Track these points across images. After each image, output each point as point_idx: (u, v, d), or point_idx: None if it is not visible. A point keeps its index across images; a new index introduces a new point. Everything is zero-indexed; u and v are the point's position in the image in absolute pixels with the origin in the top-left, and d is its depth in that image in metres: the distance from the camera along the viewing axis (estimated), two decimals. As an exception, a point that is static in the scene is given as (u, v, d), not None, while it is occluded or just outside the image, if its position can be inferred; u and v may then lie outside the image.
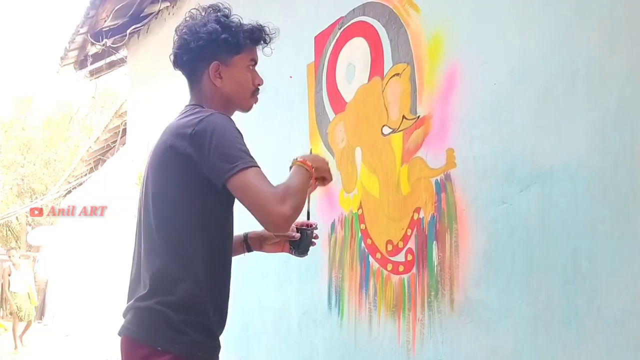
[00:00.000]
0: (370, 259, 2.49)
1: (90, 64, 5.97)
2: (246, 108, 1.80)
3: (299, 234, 1.90)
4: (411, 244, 2.28)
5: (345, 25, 2.78)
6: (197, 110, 1.66)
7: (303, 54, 3.05)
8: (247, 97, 1.76)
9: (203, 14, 1.75)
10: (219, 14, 1.74)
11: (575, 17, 1.76)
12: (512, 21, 1.96)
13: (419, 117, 2.30)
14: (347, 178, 2.68)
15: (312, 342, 2.79)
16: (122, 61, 6.01)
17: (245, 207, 1.52)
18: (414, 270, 2.25)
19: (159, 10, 5.00)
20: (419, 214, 2.25)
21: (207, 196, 1.61)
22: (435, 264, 2.16)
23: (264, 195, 1.48)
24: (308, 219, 1.89)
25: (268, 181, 1.51)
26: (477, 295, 1.99)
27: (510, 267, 1.89)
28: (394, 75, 2.45)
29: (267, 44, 1.81)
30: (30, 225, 19.85)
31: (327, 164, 1.74)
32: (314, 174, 1.63)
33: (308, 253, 1.94)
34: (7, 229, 23.40)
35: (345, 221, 2.67)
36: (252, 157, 1.55)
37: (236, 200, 1.59)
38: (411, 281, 2.26)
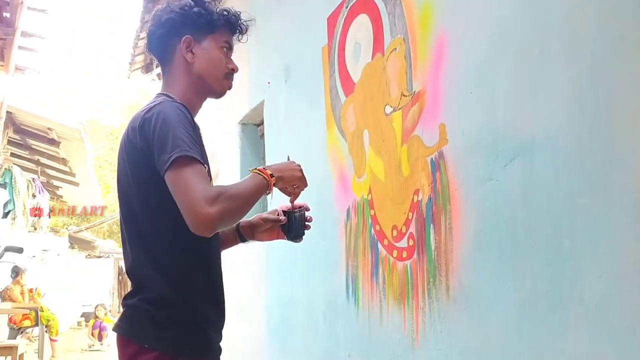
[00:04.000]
0: (379, 245, 2.37)
1: (156, 67, 6.16)
2: (219, 90, 1.70)
3: (285, 218, 1.80)
4: (412, 228, 2.15)
5: (352, 3, 2.66)
6: (155, 100, 1.62)
7: (319, 37, 2.96)
8: (220, 78, 1.68)
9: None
10: None
11: (546, -33, 1.57)
12: (490, -21, 1.78)
13: (414, 92, 2.16)
14: (357, 162, 2.58)
15: (335, 333, 2.72)
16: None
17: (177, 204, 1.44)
18: (415, 256, 2.12)
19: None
20: (418, 195, 2.12)
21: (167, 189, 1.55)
22: (433, 249, 2.02)
23: (193, 193, 1.39)
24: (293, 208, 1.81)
25: (203, 179, 1.42)
26: (469, 281, 1.84)
27: (498, 250, 1.73)
28: (392, 51, 2.32)
29: (242, 32, 1.75)
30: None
31: (298, 171, 1.63)
32: (272, 181, 1.54)
33: (302, 238, 1.83)
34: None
35: (357, 207, 2.57)
36: (194, 147, 1.45)
37: None
38: (413, 268, 2.13)
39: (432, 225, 2.03)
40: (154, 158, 1.46)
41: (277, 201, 2.34)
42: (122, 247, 1.68)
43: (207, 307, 1.60)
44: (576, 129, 1.48)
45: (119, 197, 1.66)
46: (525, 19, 1.64)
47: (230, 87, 1.74)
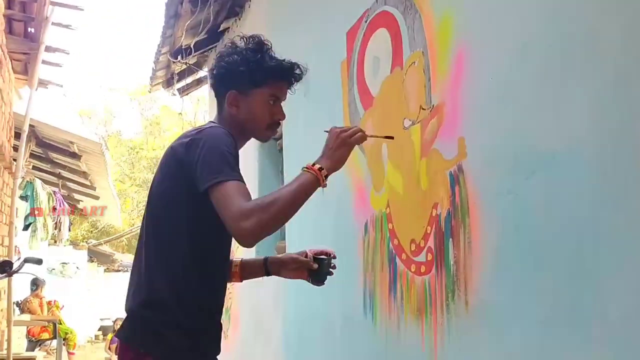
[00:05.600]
0: (397, 260, 2.35)
1: (177, 82, 6.22)
2: (261, 138, 1.84)
3: (316, 265, 1.87)
4: (431, 242, 2.12)
5: (371, 18, 2.67)
6: (205, 125, 1.74)
7: (338, 52, 2.97)
8: (262, 129, 1.78)
9: (238, 43, 1.78)
10: (249, 45, 1.76)
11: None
12: (511, -8, 1.77)
13: (433, 106, 2.15)
14: (376, 176, 2.56)
15: (352, 348, 2.69)
16: (206, 78, 6.21)
17: None
18: (433, 270, 2.10)
19: (228, 27, 5.12)
20: (437, 209, 2.10)
21: (197, 203, 1.61)
22: (452, 263, 1.99)
23: (232, 209, 1.48)
24: None
25: (242, 196, 1.50)
26: (489, 297, 1.81)
27: (519, 265, 1.70)
28: (411, 64, 2.31)
29: (293, 81, 1.79)
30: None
31: (346, 140, 1.69)
32: (322, 175, 1.59)
33: (325, 282, 1.92)
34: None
35: (376, 221, 2.55)
36: (236, 172, 1.56)
37: None
38: (431, 282, 2.10)
39: (451, 240, 2.00)
40: (195, 175, 1.56)
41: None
42: (137, 246, 1.73)
43: (205, 317, 1.68)
44: (599, 142, 1.45)
45: (147, 201, 1.73)
46: (548, 31, 1.62)
47: (274, 135, 1.87)
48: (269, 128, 1.78)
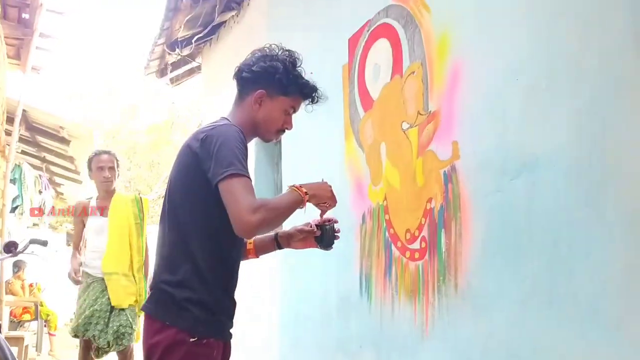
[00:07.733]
0: (393, 247, 2.64)
1: (170, 72, 6.42)
2: (267, 139, 2.01)
3: (319, 231, 2.08)
4: (425, 232, 2.42)
5: (373, 27, 2.94)
6: (219, 121, 1.91)
7: (339, 56, 3.23)
8: (271, 132, 1.96)
9: (278, 51, 1.98)
10: (289, 58, 1.94)
11: (553, 17, 1.86)
12: (503, 22, 2.06)
13: (430, 112, 2.43)
14: (374, 172, 2.84)
15: (348, 326, 2.97)
16: (199, 69, 6.41)
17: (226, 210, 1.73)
18: (426, 256, 2.39)
19: (226, 20, 5.33)
20: (431, 203, 2.39)
21: (213, 193, 1.83)
22: (443, 251, 2.28)
23: (240, 203, 1.67)
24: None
25: (250, 192, 1.70)
26: (476, 280, 2.11)
27: (503, 253, 2.00)
28: (410, 74, 2.59)
29: (313, 102, 2.01)
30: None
31: (329, 191, 1.90)
32: (306, 198, 1.80)
33: (333, 246, 2.10)
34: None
35: (373, 212, 2.83)
36: (245, 167, 1.74)
37: None
38: (424, 267, 2.40)
39: (443, 230, 2.30)
40: (209, 167, 1.74)
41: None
42: (159, 232, 1.94)
43: (222, 295, 1.85)
44: (575, 152, 1.75)
45: (167, 192, 1.92)
46: (536, 56, 1.91)
47: (277, 139, 2.04)
48: (277, 133, 1.97)
